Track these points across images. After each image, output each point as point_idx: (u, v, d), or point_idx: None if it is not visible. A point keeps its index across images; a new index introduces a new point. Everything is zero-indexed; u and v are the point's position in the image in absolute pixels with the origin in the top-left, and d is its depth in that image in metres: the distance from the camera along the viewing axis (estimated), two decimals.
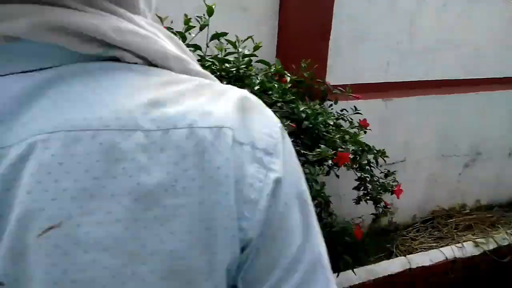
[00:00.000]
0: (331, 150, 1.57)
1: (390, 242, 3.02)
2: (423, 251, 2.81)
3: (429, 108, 3.04)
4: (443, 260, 2.52)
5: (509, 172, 3.58)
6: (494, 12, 3.15)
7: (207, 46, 1.64)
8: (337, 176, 2.34)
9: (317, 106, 2.06)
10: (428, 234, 3.14)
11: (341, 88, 2.37)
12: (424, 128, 3.07)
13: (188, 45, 1.64)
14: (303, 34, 2.49)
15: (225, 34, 1.64)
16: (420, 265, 2.48)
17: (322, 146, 1.57)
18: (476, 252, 2.58)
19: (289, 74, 1.90)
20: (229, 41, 1.47)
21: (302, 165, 1.79)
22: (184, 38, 1.55)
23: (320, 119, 1.71)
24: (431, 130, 3.10)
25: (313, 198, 1.91)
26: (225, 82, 1.41)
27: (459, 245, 2.61)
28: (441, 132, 3.15)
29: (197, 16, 1.65)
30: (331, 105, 2.43)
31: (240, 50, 1.49)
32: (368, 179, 2.24)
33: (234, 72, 1.39)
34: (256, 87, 1.43)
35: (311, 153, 1.55)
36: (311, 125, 1.67)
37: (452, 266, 2.57)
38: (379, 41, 2.81)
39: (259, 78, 1.42)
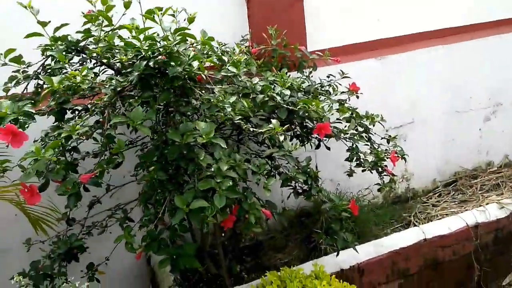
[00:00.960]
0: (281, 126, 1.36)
1: (409, 211, 2.76)
2: (444, 218, 2.54)
3: (432, 61, 2.72)
4: (464, 227, 2.25)
5: None
6: None
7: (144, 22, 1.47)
8: (328, 148, 2.13)
9: (286, 76, 1.85)
10: (451, 198, 2.85)
11: (318, 53, 2.14)
12: (430, 84, 2.75)
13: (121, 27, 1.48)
14: (273, 1, 2.26)
15: (160, 9, 1.46)
16: (436, 235, 2.22)
17: (274, 121, 1.37)
18: (502, 214, 2.28)
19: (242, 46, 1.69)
20: (147, 16, 1.29)
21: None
22: (108, 19, 1.39)
23: (278, 90, 1.50)
24: (438, 85, 2.78)
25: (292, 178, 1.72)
26: (151, 63, 1.24)
27: (482, 208, 2.32)
28: (450, 86, 2.82)
29: None
30: (310, 72, 2.20)
31: (167, 24, 1.31)
32: (359, 148, 2.01)
33: (161, 50, 1.22)
34: (193, 64, 1.25)
35: (260, 130, 1.36)
36: (267, 99, 1.47)
37: (476, 232, 2.29)
38: None
39: (191, 55, 1.23)
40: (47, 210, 1.74)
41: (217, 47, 1.93)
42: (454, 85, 2.83)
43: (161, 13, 1.29)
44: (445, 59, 2.75)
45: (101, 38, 1.34)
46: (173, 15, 1.70)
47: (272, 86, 1.54)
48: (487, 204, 2.36)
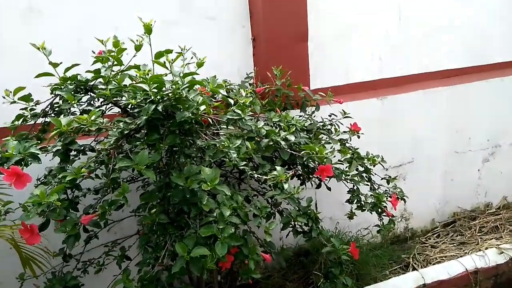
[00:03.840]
0: (287, 172, 1.37)
1: (407, 251, 2.74)
2: (443, 261, 2.52)
3: (433, 102, 2.76)
4: (463, 272, 2.23)
5: None
6: None
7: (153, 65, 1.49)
8: (329, 189, 2.13)
9: (290, 116, 1.87)
10: (450, 240, 2.83)
11: (321, 93, 2.17)
12: (430, 124, 2.78)
13: (130, 67, 1.51)
14: (278, 39, 2.31)
15: (169, 51, 1.49)
16: (436, 280, 2.19)
17: (278, 168, 1.38)
18: (501, 260, 2.26)
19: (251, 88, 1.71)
20: (157, 62, 1.31)
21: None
22: (119, 61, 1.41)
23: (283, 134, 1.51)
24: (439, 125, 2.81)
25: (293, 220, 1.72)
26: (160, 107, 1.26)
27: (481, 253, 2.30)
28: (451, 126, 2.85)
29: (138, 35, 1.52)
30: (313, 112, 2.23)
31: (177, 69, 1.33)
32: (360, 190, 2.02)
33: (170, 95, 1.24)
34: (199, 109, 1.26)
35: (265, 177, 1.36)
36: (271, 143, 1.48)
37: (475, 278, 2.27)
38: (367, 35, 2.58)
39: (200, 100, 1.25)
40: (40, 251, 1.71)
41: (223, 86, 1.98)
42: (453, 126, 2.86)
43: (172, 59, 1.31)
44: (445, 100, 2.79)
45: (110, 79, 1.36)
46: (180, 53, 1.74)
47: (277, 130, 1.55)
48: (486, 248, 2.34)
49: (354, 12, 2.52)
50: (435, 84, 2.77)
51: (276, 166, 1.40)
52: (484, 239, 2.67)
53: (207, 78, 1.96)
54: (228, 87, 2.12)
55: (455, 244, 2.75)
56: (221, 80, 2.12)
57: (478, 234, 2.77)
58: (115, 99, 1.45)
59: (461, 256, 2.40)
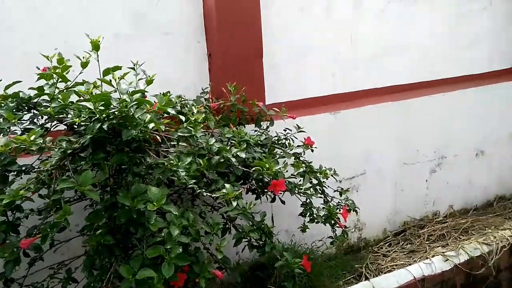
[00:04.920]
0: (237, 188, 1.39)
1: (360, 261, 2.82)
2: (394, 269, 2.61)
3: (383, 116, 2.89)
4: (411, 280, 2.32)
5: (479, 173, 3.42)
6: (435, 11, 3.04)
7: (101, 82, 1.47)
8: (283, 202, 2.17)
9: (244, 132, 1.90)
10: (400, 248, 2.94)
11: (275, 108, 2.21)
12: (380, 137, 2.90)
13: (76, 84, 1.47)
14: (233, 55, 2.34)
15: (118, 68, 1.47)
16: None
17: (227, 186, 1.39)
18: (447, 267, 2.38)
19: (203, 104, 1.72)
20: (103, 80, 1.29)
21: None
22: (64, 78, 1.38)
23: (234, 151, 1.53)
24: (388, 139, 2.94)
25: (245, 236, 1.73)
26: (105, 125, 1.24)
27: (428, 261, 2.41)
28: (399, 139, 2.99)
29: (86, 51, 1.49)
30: (267, 127, 2.27)
31: (124, 86, 1.31)
32: (313, 203, 2.07)
33: (116, 113, 1.22)
34: (145, 127, 1.25)
35: (214, 195, 1.37)
36: (222, 160, 1.49)
37: (423, 285, 2.37)
38: (320, 53, 2.67)
39: (147, 118, 1.24)
40: None
41: (175, 102, 1.97)
42: (402, 139, 3.00)
43: (118, 77, 1.30)
44: (394, 114, 2.93)
45: (54, 96, 1.32)
46: (133, 68, 1.73)
47: (228, 148, 1.56)
48: (433, 256, 2.46)
49: (309, 31, 2.60)
50: (384, 99, 2.90)
51: (225, 184, 1.40)
52: (432, 247, 2.80)
53: (160, 93, 1.96)
54: (182, 102, 2.12)
55: (405, 253, 2.86)
56: (175, 95, 2.12)
57: (426, 242, 2.90)
58: (60, 116, 1.41)
59: (410, 264, 2.50)
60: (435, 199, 3.26)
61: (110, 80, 1.30)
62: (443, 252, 2.47)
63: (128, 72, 1.39)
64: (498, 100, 3.39)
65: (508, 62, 3.49)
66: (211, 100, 2.29)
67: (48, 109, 1.29)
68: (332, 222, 2.07)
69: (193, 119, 1.46)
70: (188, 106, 2.05)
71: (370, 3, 2.76)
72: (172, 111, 1.38)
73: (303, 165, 2.09)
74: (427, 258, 2.44)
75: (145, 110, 1.26)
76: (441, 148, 3.19)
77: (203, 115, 1.70)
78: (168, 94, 1.96)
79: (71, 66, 1.38)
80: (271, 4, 2.45)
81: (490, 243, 2.51)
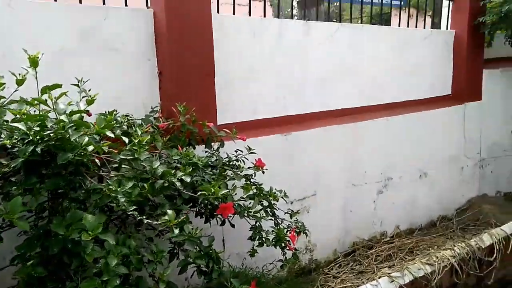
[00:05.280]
0: (183, 213, 1.34)
1: (311, 283, 2.82)
2: None
3: (333, 138, 2.96)
4: None
5: (422, 194, 3.58)
6: (382, 39, 3.20)
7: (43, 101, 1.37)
8: (232, 226, 2.13)
9: (192, 154, 1.86)
10: (350, 269, 2.99)
11: (226, 130, 2.20)
12: (330, 159, 2.97)
13: (11, 102, 1.38)
14: (185, 74, 2.31)
15: (58, 86, 1.39)
16: None
17: (169, 212, 1.34)
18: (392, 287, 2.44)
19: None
20: (38, 100, 1.21)
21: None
22: None
23: (180, 174, 1.48)
24: (338, 160, 3.02)
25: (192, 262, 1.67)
26: (39, 148, 1.15)
27: (374, 282, 2.46)
28: (348, 161, 3.07)
29: (24, 67, 1.40)
30: (218, 148, 2.24)
31: (62, 106, 1.24)
32: (262, 226, 2.06)
33: (51, 135, 1.14)
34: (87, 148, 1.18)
35: (156, 222, 1.31)
36: (167, 184, 1.44)
37: None
38: (271, 75, 2.71)
39: (85, 141, 1.17)
40: None
41: (121, 121, 1.90)
42: (350, 161, 3.08)
43: (55, 97, 1.22)
44: (342, 136, 3.01)
45: None
46: (77, 85, 1.64)
47: (173, 171, 1.52)
48: (379, 277, 2.51)
49: (260, 54, 2.63)
50: (333, 121, 2.98)
51: (168, 210, 1.35)
52: (379, 268, 2.87)
53: (106, 112, 1.88)
54: (130, 121, 2.05)
55: (354, 274, 2.91)
56: (122, 114, 2.04)
57: (375, 262, 2.97)
58: None
59: (358, 286, 2.53)
60: (382, 220, 3.36)
61: (46, 100, 1.22)
62: (389, 273, 2.53)
63: (66, 92, 1.32)
64: (439, 124, 3.59)
65: (447, 89, 3.73)
66: (160, 119, 2.23)
67: None
68: (282, 245, 2.06)
69: (136, 141, 1.41)
70: (134, 126, 1.99)
71: (320, 30, 2.86)
72: (110, 134, 1.31)
73: (253, 187, 2.08)
74: (373, 279, 2.49)
75: (82, 132, 1.19)
76: (387, 169, 3.31)
77: (149, 136, 1.65)
78: (114, 113, 1.90)
79: (4, 83, 1.29)
80: (225, 27, 2.46)
81: (433, 263, 2.60)
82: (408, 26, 3.53)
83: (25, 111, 1.18)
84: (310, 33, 2.81)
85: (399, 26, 3.55)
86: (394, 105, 3.32)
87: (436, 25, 4.76)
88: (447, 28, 3.80)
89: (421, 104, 3.49)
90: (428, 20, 4.62)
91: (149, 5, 2.33)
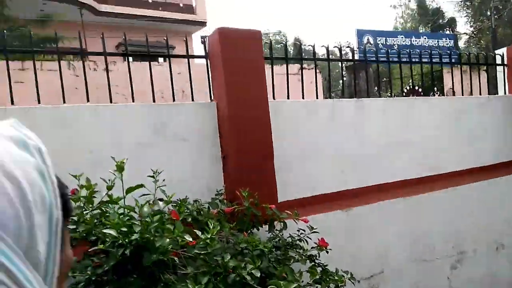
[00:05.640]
0: None
1: None
2: None
3: (395, 212, 2.90)
4: None
5: (501, 267, 3.30)
6: (436, 108, 3.20)
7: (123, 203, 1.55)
8: None
9: (257, 240, 1.92)
10: None
11: (288, 212, 2.26)
12: (395, 234, 2.88)
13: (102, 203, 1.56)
14: (246, 157, 2.46)
15: (140, 186, 1.57)
16: None
17: None
18: None
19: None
20: (127, 207, 1.38)
21: None
22: (90, 201, 1.47)
23: (249, 268, 1.54)
24: (404, 235, 2.92)
25: None
26: (127, 251, 1.29)
27: None
28: (415, 235, 2.96)
29: (111, 171, 1.60)
30: (281, 229, 2.29)
31: (146, 210, 1.39)
32: None
33: (138, 239, 1.28)
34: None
35: None
36: (238, 279, 1.50)
37: None
38: (328, 151, 2.78)
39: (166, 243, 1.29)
40: None
41: (191, 210, 2.04)
42: (417, 235, 2.96)
43: (141, 204, 1.38)
44: (406, 210, 2.93)
45: (81, 221, 1.40)
46: (152, 177, 1.83)
47: (243, 264, 1.58)
48: None
49: (316, 132, 2.74)
50: (395, 194, 2.93)
51: None
52: None
53: (178, 200, 2.04)
54: (198, 207, 2.19)
55: None
56: (192, 199, 2.19)
57: None
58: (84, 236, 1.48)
59: None
60: None
61: (134, 208, 1.38)
62: None
63: (146, 203, 1.48)
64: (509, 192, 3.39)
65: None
66: (225, 202, 2.36)
67: (75, 233, 1.35)
68: None
69: (209, 236, 1.51)
70: (203, 212, 2.12)
71: (371, 106, 2.94)
72: (189, 238, 1.42)
73: (319, 268, 2.07)
74: None
75: (165, 235, 1.31)
76: (459, 242, 3.13)
77: (218, 228, 1.75)
78: (186, 199, 2.06)
79: (97, 191, 1.48)
80: (280, 111, 2.62)
81: None
82: (461, 83, 3.49)
83: (117, 221, 1.34)
84: (363, 109, 2.90)
85: (452, 83, 3.53)
86: (457, 174, 3.22)
87: (491, 80, 4.63)
88: (504, 92, 3.73)
89: (487, 170, 3.35)
90: (483, 74, 4.49)
91: (212, 98, 2.57)
